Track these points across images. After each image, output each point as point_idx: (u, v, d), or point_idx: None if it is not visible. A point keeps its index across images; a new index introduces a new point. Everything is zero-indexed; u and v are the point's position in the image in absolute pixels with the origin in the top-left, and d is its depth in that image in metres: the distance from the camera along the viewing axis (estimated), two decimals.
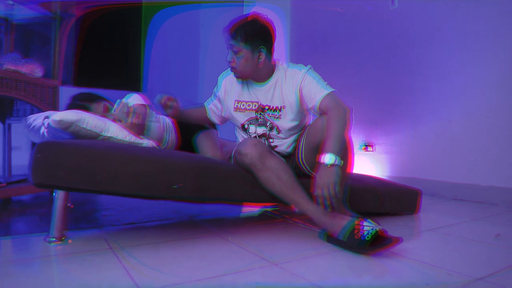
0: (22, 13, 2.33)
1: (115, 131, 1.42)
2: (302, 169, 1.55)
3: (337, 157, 1.28)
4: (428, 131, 2.58)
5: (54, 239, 1.29)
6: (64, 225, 1.33)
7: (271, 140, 1.57)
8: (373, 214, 1.74)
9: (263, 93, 1.52)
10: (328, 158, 1.28)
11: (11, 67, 1.92)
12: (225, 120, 1.72)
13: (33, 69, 2.04)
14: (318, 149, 1.43)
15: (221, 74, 1.68)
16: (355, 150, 2.98)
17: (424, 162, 2.59)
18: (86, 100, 1.74)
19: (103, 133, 1.38)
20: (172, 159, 1.25)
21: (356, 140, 3.03)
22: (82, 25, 3.79)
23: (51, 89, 2.22)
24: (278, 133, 1.55)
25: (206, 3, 4.05)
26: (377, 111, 2.92)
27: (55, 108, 2.24)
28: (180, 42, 4.33)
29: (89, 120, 1.32)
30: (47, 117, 1.33)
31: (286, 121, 1.51)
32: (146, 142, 1.54)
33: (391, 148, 2.82)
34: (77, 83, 3.87)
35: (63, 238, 1.31)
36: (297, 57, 3.61)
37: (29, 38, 2.43)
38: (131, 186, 1.17)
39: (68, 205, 1.96)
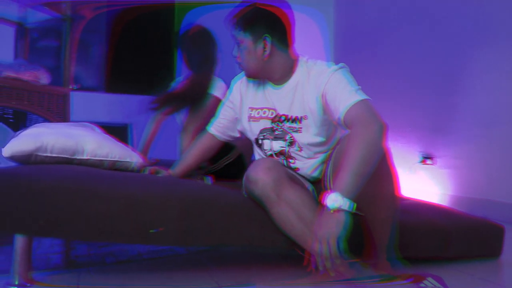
0: (35, 17, 2.18)
1: (92, 150, 1.12)
2: None
3: (346, 198, 0.90)
4: (509, 141, 2.03)
5: (15, 286, 1.04)
6: (28, 268, 1.07)
7: (291, 160, 1.20)
8: (434, 258, 1.29)
9: (280, 98, 1.17)
10: (332, 200, 0.90)
11: (11, 74, 1.74)
12: (242, 135, 1.35)
13: (37, 76, 1.85)
14: None
15: (234, 78, 1.34)
16: (411, 165, 2.51)
17: (503, 180, 2.05)
18: None
19: (75, 157, 1.09)
20: (145, 192, 0.93)
21: (413, 151, 2.54)
22: (114, 29, 3.67)
23: (60, 98, 2.02)
24: (300, 150, 1.17)
25: (241, 2, 3.74)
26: (439, 115, 2.42)
27: (65, 118, 2.05)
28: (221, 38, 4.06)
29: (53, 144, 1.03)
30: None
31: (309, 135, 1.14)
32: (135, 160, 1.24)
33: (458, 161, 2.30)
34: (109, 89, 3.75)
35: (28, 284, 1.06)
36: (342, 55, 3.18)
37: (42, 43, 2.29)
38: (87, 232, 0.86)
39: None
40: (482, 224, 1.41)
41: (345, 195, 0.89)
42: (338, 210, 0.89)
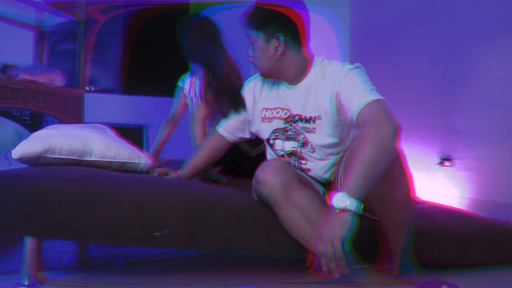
0: (52, 21, 2.22)
1: (101, 151, 1.12)
2: None
3: (353, 198, 0.86)
4: None
5: (24, 286, 1.06)
6: (39, 268, 1.08)
7: (302, 161, 1.17)
8: (450, 265, 1.24)
9: (294, 98, 1.16)
10: (338, 200, 0.87)
11: (26, 77, 1.78)
12: (253, 135, 1.34)
13: (52, 79, 1.88)
14: None
15: (247, 79, 1.34)
16: (429, 167, 2.43)
17: None
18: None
19: (84, 158, 1.09)
20: (151, 195, 0.92)
21: (431, 153, 2.46)
22: (130, 31, 3.71)
23: (75, 99, 2.06)
24: (312, 152, 1.15)
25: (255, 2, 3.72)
26: (458, 115, 2.33)
27: (80, 119, 2.08)
28: (230, 42, 4.05)
29: (62, 146, 1.03)
30: (8, 152, 1.09)
31: (322, 136, 1.12)
32: (144, 162, 1.23)
33: (478, 163, 2.21)
34: (125, 91, 3.80)
35: (38, 285, 1.07)
36: (358, 55, 3.12)
37: (61, 46, 2.34)
38: (92, 235, 0.86)
39: None
40: (502, 229, 1.35)
41: (352, 195, 0.86)
42: (344, 210, 0.86)
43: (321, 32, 3.04)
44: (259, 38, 1.12)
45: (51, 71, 1.88)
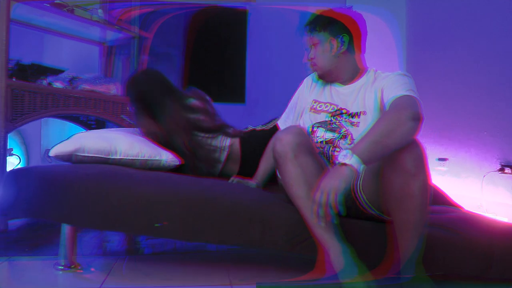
0: (115, 36, 2.52)
1: (125, 150, 1.27)
2: (360, 205, 1.11)
3: (356, 156, 0.93)
4: None
5: (62, 267, 1.24)
6: (74, 252, 1.25)
7: (336, 149, 1.22)
8: (471, 280, 1.15)
9: (343, 96, 1.27)
10: (342, 155, 0.95)
11: (87, 87, 2.05)
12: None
13: (109, 88, 2.14)
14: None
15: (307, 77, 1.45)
16: (487, 173, 2.23)
17: None
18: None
19: (110, 156, 1.25)
20: (153, 190, 1.03)
21: (490, 158, 2.25)
22: (189, 38, 3.95)
23: (125, 106, 2.29)
24: (350, 144, 1.21)
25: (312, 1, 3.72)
26: None
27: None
28: (284, 46, 4.08)
29: (90, 146, 1.21)
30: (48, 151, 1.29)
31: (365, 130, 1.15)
32: (165, 158, 1.35)
33: None
34: None
35: (72, 266, 1.24)
36: (416, 55, 2.96)
37: (121, 59, 2.63)
38: (101, 222, 1.00)
39: None
40: None
41: (356, 153, 0.93)
42: (345, 164, 0.92)
43: (378, 32, 2.95)
44: (323, 38, 1.23)
45: (109, 82, 2.14)
